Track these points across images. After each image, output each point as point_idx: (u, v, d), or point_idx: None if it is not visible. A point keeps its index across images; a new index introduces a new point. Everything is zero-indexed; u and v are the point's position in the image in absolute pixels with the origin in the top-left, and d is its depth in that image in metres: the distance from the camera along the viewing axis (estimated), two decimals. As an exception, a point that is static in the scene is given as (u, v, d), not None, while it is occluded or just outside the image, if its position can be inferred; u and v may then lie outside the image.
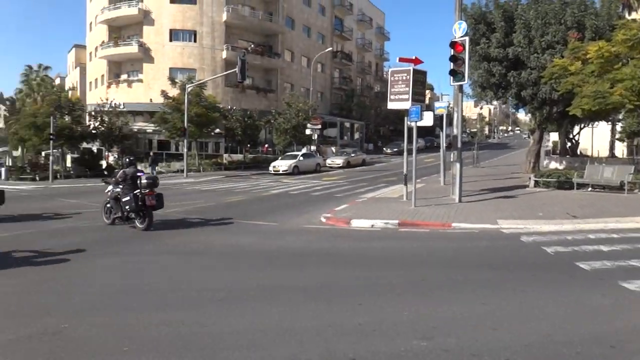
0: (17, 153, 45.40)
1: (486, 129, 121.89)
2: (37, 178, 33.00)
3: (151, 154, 34.68)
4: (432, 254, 8.42)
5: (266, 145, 43.57)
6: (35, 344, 4.49)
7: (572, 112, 16.03)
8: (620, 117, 28.73)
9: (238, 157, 39.34)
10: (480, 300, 5.55)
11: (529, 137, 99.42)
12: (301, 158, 31.87)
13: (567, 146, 32.76)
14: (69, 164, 38.83)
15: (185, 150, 32.04)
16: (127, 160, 11.89)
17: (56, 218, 13.34)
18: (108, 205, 11.78)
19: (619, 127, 32.96)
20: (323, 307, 5.47)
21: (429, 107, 28.83)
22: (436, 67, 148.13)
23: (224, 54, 42.53)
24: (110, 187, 11.84)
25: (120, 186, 11.30)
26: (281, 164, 30.78)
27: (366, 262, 7.79)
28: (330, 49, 53.69)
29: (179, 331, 4.77)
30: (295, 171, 30.24)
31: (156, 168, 33.37)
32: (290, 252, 8.67)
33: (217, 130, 37.93)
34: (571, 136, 33.19)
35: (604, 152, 35.49)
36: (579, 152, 33.19)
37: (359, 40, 64.82)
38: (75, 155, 39.17)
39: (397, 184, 20.26)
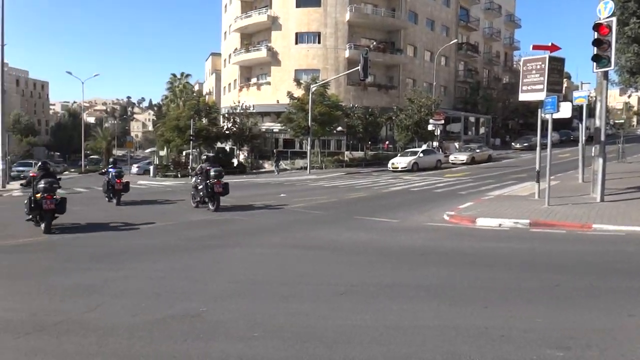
0: (163, 153, 50.82)
1: (634, 119, 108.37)
2: (179, 175, 36.59)
3: (274, 151, 36.59)
4: (569, 257, 7.70)
5: (387, 142, 43.40)
6: (178, 324, 4.99)
7: None
8: None
9: (359, 154, 39.74)
10: (627, 312, 4.96)
11: None
12: (421, 155, 31.24)
13: None
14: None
15: (308, 148, 33.23)
16: (204, 157, 16.10)
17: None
18: (192, 192, 15.00)
19: None
20: (446, 307, 5.31)
21: (566, 98, 26.47)
22: (573, 55, 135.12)
23: (347, 53, 43.20)
24: (194, 179, 15.10)
25: (200, 178, 14.39)
26: (400, 161, 30.44)
27: (493, 263, 7.39)
28: (455, 40, 51.74)
29: (302, 322, 4.96)
30: (414, 168, 29.70)
31: (280, 164, 35.11)
32: (411, 249, 8.53)
33: (339, 128, 38.71)
34: None
35: None
36: None
37: (487, 29, 61.53)
38: (211, 154, 42.64)
39: (527, 181, 18.91)
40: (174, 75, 68.28)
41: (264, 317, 5.14)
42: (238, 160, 41.73)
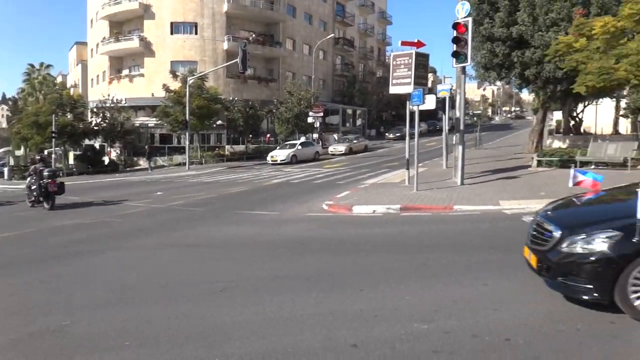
0: (19, 152, 45.61)
1: (489, 110, 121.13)
2: (41, 176, 33.14)
3: (146, 147, 34.89)
4: (434, 237, 8.38)
5: (268, 135, 43.53)
6: (37, 342, 4.51)
7: (576, 89, 15.81)
8: (625, 93, 28.40)
9: (240, 148, 39.35)
10: (482, 282, 5.52)
11: (515, 117, 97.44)
12: (299, 147, 31.61)
13: (571, 125, 32.48)
14: (71, 161, 38.96)
15: (187, 143, 32.08)
16: (38, 157, 16.26)
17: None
18: (27, 192, 15.42)
19: (623, 103, 32.60)
20: (324, 294, 5.46)
21: (432, 91, 28.63)
22: (439, 50, 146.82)
23: (225, 45, 42.34)
24: (28, 179, 15.48)
25: (33, 178, 14.81)
26: (279, 154, 30.63)
27: (367, 248, 7.77)
28: (332, 35, 53.30)
29: (179, 325, 4.77)
30: (293, 160, 30.05)
31: (155, 161, 33.52)
32: (291, 240, 8.65)
33: (219, 122, 37.95)
34: (575, 114, 32.89)
35: (608, 130, 35.20)
36: (582, 131, 32.92)
37: (361, 25, 64.32)
38: (78, 153, 39.29)
39: (399, 169, 20.19)
40: (32, 66, 61.67)
41: (137, 323, 4.85)
42: (110, 158, 38.98)
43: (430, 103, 16.46)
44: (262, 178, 22.01)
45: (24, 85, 62.85)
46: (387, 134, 51.41)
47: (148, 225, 11.02)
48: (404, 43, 14.27)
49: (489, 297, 5.10)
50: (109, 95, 38.73)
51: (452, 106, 23.59)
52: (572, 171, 7.18)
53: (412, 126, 14.50)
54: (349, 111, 56.04)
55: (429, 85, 30.18)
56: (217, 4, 42.51)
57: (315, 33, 52.63)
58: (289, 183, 19.28)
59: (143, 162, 36.97)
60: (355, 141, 37.25)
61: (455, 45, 13.33)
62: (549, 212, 5.34)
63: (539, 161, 17.53)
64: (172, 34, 42.69)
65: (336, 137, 42.63)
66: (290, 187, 18.04)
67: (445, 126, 21.39)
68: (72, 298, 5.89)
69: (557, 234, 4.66)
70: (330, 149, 36.12)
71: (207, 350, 4.14)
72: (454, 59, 13.60)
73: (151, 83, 41.23)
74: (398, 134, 47.67)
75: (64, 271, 7.16)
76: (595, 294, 4.32)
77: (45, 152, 38.17)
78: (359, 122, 57.48)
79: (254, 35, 44.28)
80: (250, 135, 41.05)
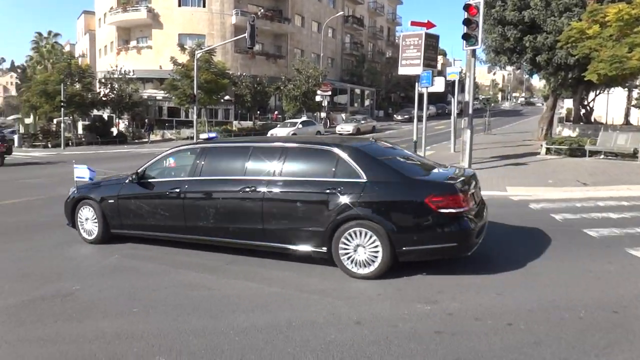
0: (29, 120, 45.75)
1: (499, 95, 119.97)
2: (49, 145, 33.33)
3: (146, 121, 35.06)
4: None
5: (276, 112, 43.36)
6: (48, 305, 4.63)
7: (587, 77, 15.66)
8: (638, 82, 28.02)
9: (247, 124, 39.25)
10: (486, 267, 5.57)
11: (524, 103, 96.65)
12: (300, 126, 31.23)
13: (581, 113, 32.14)
14: (80, 131, 39.07)
15: (194, 117, 31.99)
16: None
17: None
18: None
19: (635, 93, 32.19)
20: (330, 272, 5.52)
21: (441, 73, 28.37)
22: (450, 32, 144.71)
23: (234, 19, 41.89)
24: None
25: None
26: (278, 132, 30.40)
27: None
28: (342, 13, 52.61)
29: (187, 294, 4.87)
30: None
31: (152, 134, 33.91)
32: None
33: (227, 97, 37.77)
34: (585, 103, 32.54)
35: (619, 120, 34.81)
36: (592, 120, 32.56)
37: (371, 3, 63.36)
38: (87, 123, 39.35)
39: (407, 151, 20.14)
40: (40, 34, 61.39)
41: (145, 291, 4.96)
42: (118, 130, 39.01)
43: (439, 85, 16.37)
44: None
45: (33, 54, 62.71)
46: (395, 116, 51.11)
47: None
48: (413, 23, 14.13)
49: (492, 282, 5.16)
50: (117, 66, 38.53)
51: (462, 90, 23.40)
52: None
53: (420, 108, 14.45)
54: (357, 91, 55.63)
55: (439, 67, 29.81)
56: (226, -23, 41.97)
57: (324, 10, 51.95)
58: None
59: (152, 135, 36.98)
60: (363, 122, 37.03)
61: (465, 27, 13.14)
62: None
63: (547, 149, 17.44)
64: (180, 5, 42.24)
65: (344, 117, 42.43)
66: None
67: (454, 110, 21.28)
68: (82, 264, 6.00)
69: None
70: (338, 128, 35.97)
71: (213, 320, 4.24)
72: (464, 42, 13.43)
73: (159, 55, 40.97)
74: (406, 116, 47.39)
75: (72, 238, 7.26)
76: None
77: (54, 120, 38.40)
78: (367, 102, 57.11)
79: (262, 10, 43.75)
80: (258, 112, 40.89)
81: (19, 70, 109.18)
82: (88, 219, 6.88)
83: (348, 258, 5.24)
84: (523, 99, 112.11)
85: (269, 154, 5.92)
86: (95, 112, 38.24)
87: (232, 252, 6.21)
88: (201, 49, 32.88)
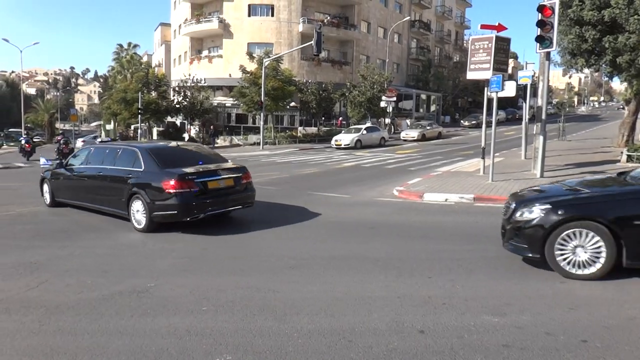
0: (109, 126, 48.96)
1: (575, 99, 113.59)
2: (127, 150, 35.41)
3: (212, 127, 36.29)
4: (509, 230, 8.09)
5: (340, 119, 43.58)
6: (125, 300, 4.93)
7: (676, 79, 14.50)
8: None
9: (312, 130, 39.71)
10: (559, 279, 5.31)
11: (623, 108, 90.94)
12: (364, 132, 30.95)
13: (669, 118, 29.74)
14: (155, 136, 41.27)
15: (261, 123, 32.85)
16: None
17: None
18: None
19: None
20: (392, 278, 5.50)
21: (512, 77, 27.32)
22: (522, 34, 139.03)
23: (300, 27, 42.65)
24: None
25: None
26: (343, 138, 30.27)
27: (438, 235, 7.68)
28: (408, 18, 52.10)
29: (252, 295, 5.02)
30: (357, 145, 29.52)
31: (216, 141, 34.98)
32: (361, 223, 8.71)
33: (293, 104, 38.47)
34: (674, 107, 30.06)
35: None
36: (682, 125, 30.03)
37: (439, 7, 62.26)
38: (161, 129, 41.51)
39: (474, 158, 19.58)
40: (121, 46, 65.52)
41: (213, 291, 5.16)
42: (189, 135, 40.80)
43: (510, 90, 15.72)
44: (333, 161, 22.18)
45: (114, 64, 67.00)
46: (462, 121, 49.81)
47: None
48: (483, 26, 13.70)
49: (565, 295, 4.91)
50: (189, 75, 40.39)
51: (534, 94, 22.41)
52: None
53: (489, 114, 13.99)
54: (423, 96, 54.74)
55: (509, 71, 28.77)
56: (294, -14, 42.82)
57: (390, 15, 51.64)
58: (360, 167, 19.30)
59: (220, 140, 38.34)
60: (428, 127, 36.36)
61: (539, 29, 12.59)
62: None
63: (629, 156, 16.29)
64: (249, 15, 43.58)
65: (409, 123, 41.89)
66: (361, 170, 18.06)
67: (526, 115, 20.38)
68: (155, 263, 6.34)
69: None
70: (403, 134, 35.56)
71: (278, 322, 4.33)
72: (538, 44, 12.86)
73: (229, 64, 42.49)
74: (474, 122, 46.08)
75: (147, 239, 7.70)
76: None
77: (132, 126, 40.87)
78: (433, 108, 56.04)
79: (328, 18, 44.20)
80: (323, 118, 41.31)
81: (101, 80, 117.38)
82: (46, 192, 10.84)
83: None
84: (602, 103, 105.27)
85: (111, 152, 9.37)
86: (169, 118, 40.24)
87: (295, 259, 6.33)
88: (269, 57, 33.76)
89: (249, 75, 34.69)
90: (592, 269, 5.25)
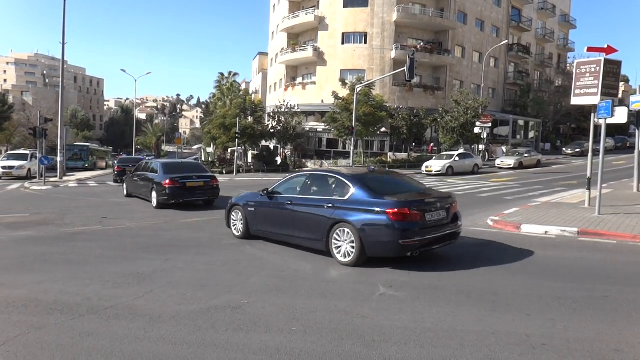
0: (209, 149, 52.08)
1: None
2: (224, 172, 37.40)
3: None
4: (619, 268, 7.42)
5: (431, 144, 42.83)
6: (220, 315, 5.18)
7: None
8: None
9: (402, 155, 39.38)
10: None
11: None
12: (457, 158, 30.18)
13: None
14: (250, 159, 43.22)
15: (352, 148, 33.19)
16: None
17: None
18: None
19: None
20: (486, 313, 5.26)
21: (623, 102, 25.24)
22: (634, 57, 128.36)
23: (393, 54, 42.90)
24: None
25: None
26: (434, 164, 29.71)
27: (537, 270, 7.21)
28: (506, 41, 50.47)
29: (341, 319, 5.04)
30: (449, 172, 28.86)
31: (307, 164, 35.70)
32: (452, 253, 8.43)
33: (383, 129, 38.52)
34: None
35: None
36: None
37: (539, 30, 59.60)
38: (256, 152, 43.41)
39: (577, 189, 18.25)
40: (222, 74, 69.79)
41: (303, 312, 5.25)
42: (282, 159, 42.27)
43: (620, 116, 14.54)
44: (422, 187, 21.74)
45: (215, 91, 71.56)
46: (564, 149, 46.70)
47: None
48: (590, 49, 12.87)
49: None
50: (284, 101, 42.07)
51: (649, 120, 20.48)
52: None
53: (596, 141, 13.02)
54: (521, 122, 52.24)
55: (620, 95, 26.66)
56: (387, 14, 43.29)
57: (486, 40, 50.28)
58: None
59: (310, 164, 39.31)
60: (526, 155, 34.53)
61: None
62: None
63: None
64: (343, 43, 44.66)
65: (504, 150, 40.12)
66: (451, 198, 17.50)
67: (638, 143, 18.67)
68: (248, 281, 6.60)
69: None
70: (498, 162, 34.10)
71: (366, 348, 4.31)
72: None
73: (322, 90, 43.72)
74: (578, 150, 43.04)
75: (241, 256, 8.04)
76: None
77: (229, 150, 43.20)
78: (531, 134, 53.23)
79: (422, 44, 44.04)
80: (414, 144, 40.85)
81: (203, 106, 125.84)
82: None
83: None
84: None
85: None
86: (263, 142, 42.03)
87: (384, 285, 6.27)
88: (361, 83, 34.25)
89: (341, 101, 35.37)
90: None
